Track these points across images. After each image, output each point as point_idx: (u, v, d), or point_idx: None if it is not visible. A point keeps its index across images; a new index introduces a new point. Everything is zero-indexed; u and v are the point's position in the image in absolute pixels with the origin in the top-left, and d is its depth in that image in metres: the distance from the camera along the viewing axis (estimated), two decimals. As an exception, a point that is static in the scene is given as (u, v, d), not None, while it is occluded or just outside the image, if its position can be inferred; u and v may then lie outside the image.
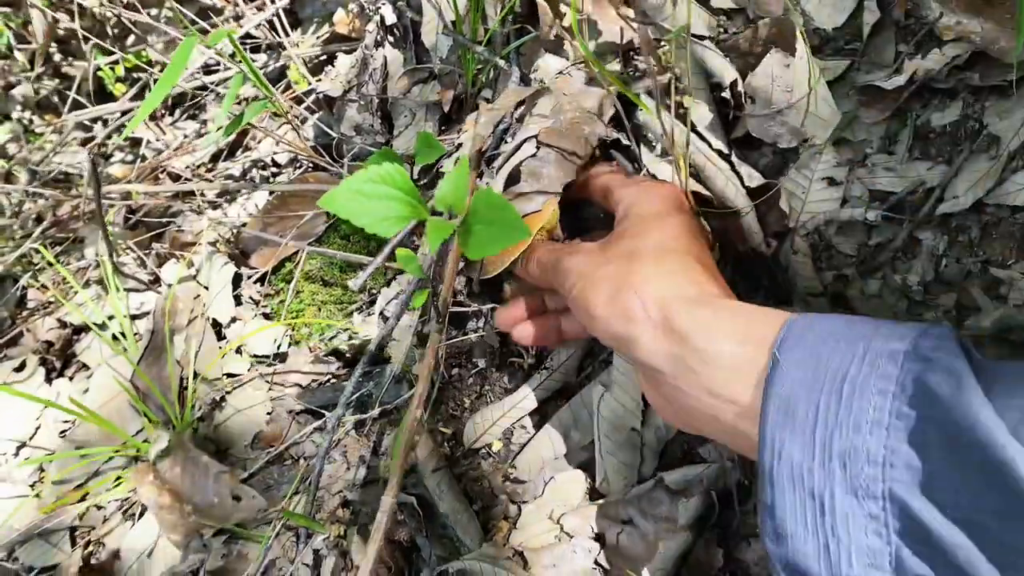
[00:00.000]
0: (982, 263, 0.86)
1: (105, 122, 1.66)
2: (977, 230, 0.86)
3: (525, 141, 0.87)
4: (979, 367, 0.45)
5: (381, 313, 1.06)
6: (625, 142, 0.93)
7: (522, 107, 0.95)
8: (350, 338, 1.07)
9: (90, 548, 1.13)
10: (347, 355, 1.12)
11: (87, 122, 1.69)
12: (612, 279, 0.67)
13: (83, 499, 1.17)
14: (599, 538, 0.88)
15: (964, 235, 0.87)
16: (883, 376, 0.46)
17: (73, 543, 1.15)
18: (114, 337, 1.33)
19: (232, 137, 1.48)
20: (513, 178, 0.87)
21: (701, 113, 0.91)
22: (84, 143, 1.72)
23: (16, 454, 1.25)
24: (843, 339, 0.50)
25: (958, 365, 0.44)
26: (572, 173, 0.85)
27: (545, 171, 0.84)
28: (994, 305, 0.84)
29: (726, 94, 0.92)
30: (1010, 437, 0.39)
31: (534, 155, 0.85)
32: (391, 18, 1.20)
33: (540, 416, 0.97)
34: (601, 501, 0.90)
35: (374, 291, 1.11)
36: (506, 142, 0.99)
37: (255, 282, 1.23)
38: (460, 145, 1.11)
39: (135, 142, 1.62)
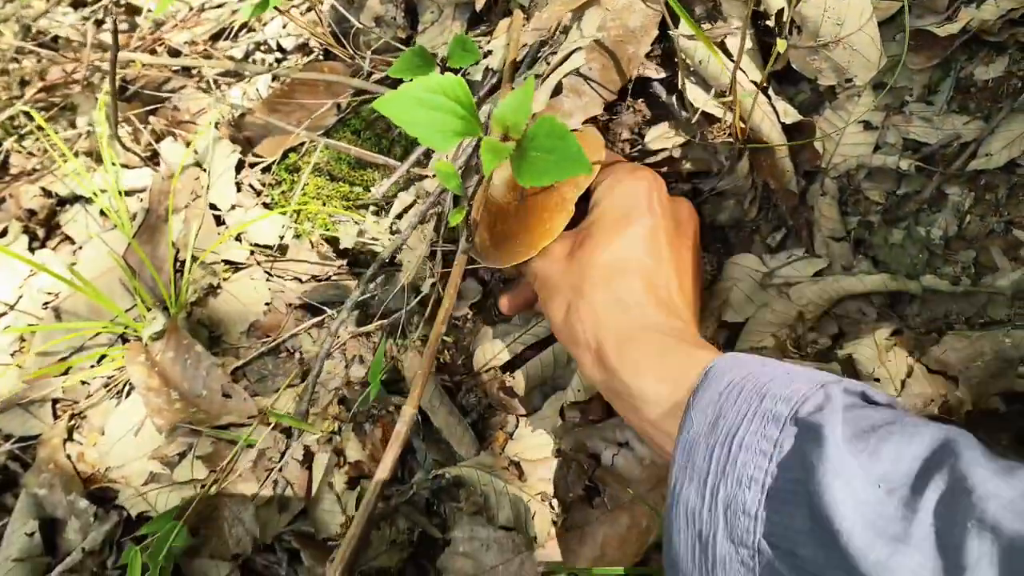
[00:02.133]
0: (1006, 223, 0.86)
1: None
2: (1005, 190, 0.86)
3: (574, 52, 0.83)
4: (859, 424, 0.49)
5: (398, 216, 1.03)
6: (659, 76, 0.90)
7: (566, 19, 0.92)
8: (359, 234, 1.05)
9: (73, 421, 1.12)
10: (352, 253, 1.10)
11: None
12: (565, 295, 0.71)
13: (67, 372, 1.15)
14: (594, 457, 0.90)
15: (991, 194, 0.87)
16: (765, 437, 0.49)
17: (55, 415, 1.13)
18: (102, 213, 1.29)
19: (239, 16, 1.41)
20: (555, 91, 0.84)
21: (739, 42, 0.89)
22: (74, 4, 1.63)
23: (-2, 322, 1.22)
24: (743, 394, 0.53)
25: (826, 432, 0.47)
26: (615, 93, 0.82)
27: (588, 88, 0.81)
28: (1012, 266, 0.84)
29: (770, 22, 0.89)
30: (847, 510, 0.43)
31: (578, 70, 0.82)
32: (423, -96, 1.13)
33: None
34: (600, 424, 0.91)
35: (384, 184, 1.08)
36: (542, 57, 0.96)
37: (262, 171, 1.19)
38: (490, 52, 1.07)
39: (133, 10, 1.53)
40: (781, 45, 0.84)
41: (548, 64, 0.88)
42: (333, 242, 1.12)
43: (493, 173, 0.80)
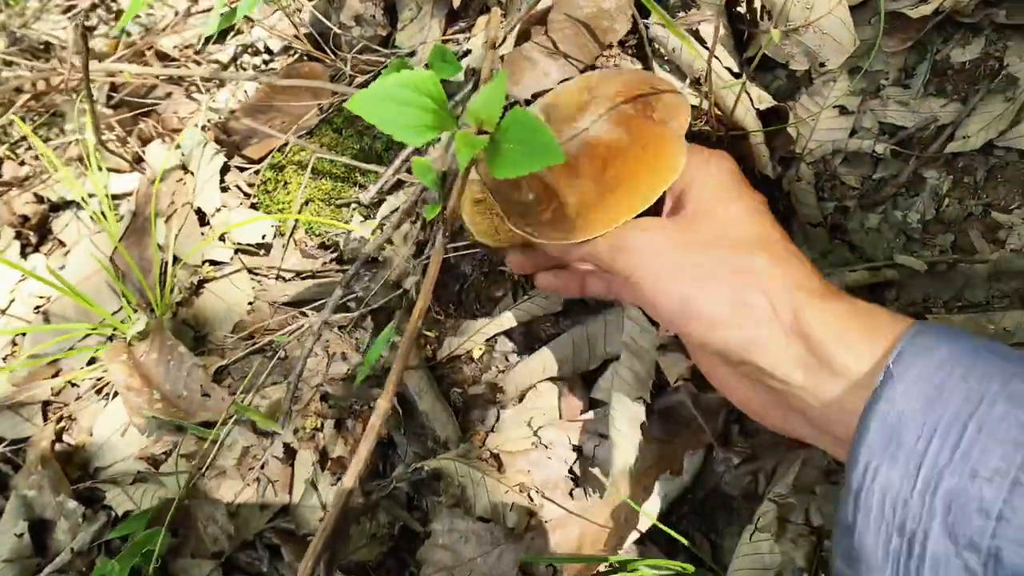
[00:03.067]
0: (984, 206, 0.85)
1: (90, -9, 1.58)
2: (983, 172, 0.86)
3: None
4: None
5: (385, 217, 1.04)
6: (634, 67, 0.90)
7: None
8: (348, 235, 1.05)
9: (62, 423, 1.13)
10: (336, 251, 1.10)
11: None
12: (717, 273, 0.58)
13: (56, 375, 1.16)
14: (576, 449, 0.89)
15: (970, 176, 0.86)
16: (1019, 425, 0.41)
17: (45, 418, 1.14)
18: (93, 217, 1.30)
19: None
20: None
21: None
22: (66, 11, 1.64)
23: (-11, 326, 1.23)
24: (971, 372, 0.45)
25: None
26: (589, 64, 0.84)
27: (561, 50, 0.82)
28: (991, 248, 0.84)
29: (742, 8, 0.89)
30: None
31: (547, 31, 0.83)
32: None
33: (525, 331, 0.96)
34: (585, 416, 0.90)
35: (371, 190, 1.08)
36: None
37: (251, 172, 1.20)
38: (468, 52, 1.07)
39: (121, 16, 1.54)
40: (776, 35, 0.83)
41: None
42: (317, 240, 1.12)
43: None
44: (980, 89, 0.86)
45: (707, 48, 0.87)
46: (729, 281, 0.57)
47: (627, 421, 0.83)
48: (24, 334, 1.20)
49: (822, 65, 0.86)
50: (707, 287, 0.57)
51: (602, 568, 0.80)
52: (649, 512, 0.80)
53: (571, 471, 0.88)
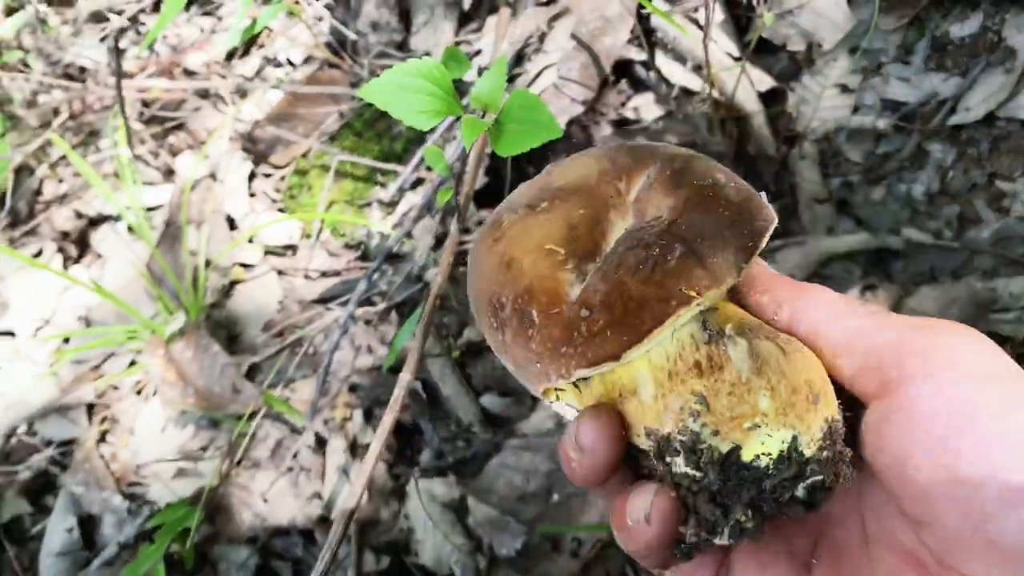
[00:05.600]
0: (988, 176, 0.87)
1: (119, 12, 1.65)
2: (986, 143, 0.87)
3: (545, 68, 0.88)
4: None
5: (405, 213, 1.08)
6: (639, 57, 0.94)
7: (544, 26, 0.97)
8: (371, 234, 1.10)
9: (106, 424, 1.18)
10: (359, 250, 1.14)
11: (103, 10, 1.68)
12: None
13: (99, 379, 1.21)
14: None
15: (973, 148, 0.88)
16: None
17: (90, 419, 1.19)
18: (130, 229, 1.36)
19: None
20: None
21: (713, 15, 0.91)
22: (102, 40, 1.71)
23: (35, 334, 1.29)
24: None
25: None
26: (594, 90, 0.87)
27: (568, 90, 0.86)
28: (996, 217, 0.85)
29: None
30: None
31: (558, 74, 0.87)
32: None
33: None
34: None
35: (391, 188, 1.12)
36: (527, 57, 1.00)
37: (278, 178, 1.25)
38: (479, 52, 1.11)
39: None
40: (769, 19, 0.86)
41: (531, 61, 0.93)
42: (341, 240, 1.16)
43: None
44: (980, 62, 0.88)
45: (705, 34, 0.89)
46: None
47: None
48: (67, 339, 1.26)
49: (819, 45, 0.88)
50: None
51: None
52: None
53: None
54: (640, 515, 0.38)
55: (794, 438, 0.35)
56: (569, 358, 0.37)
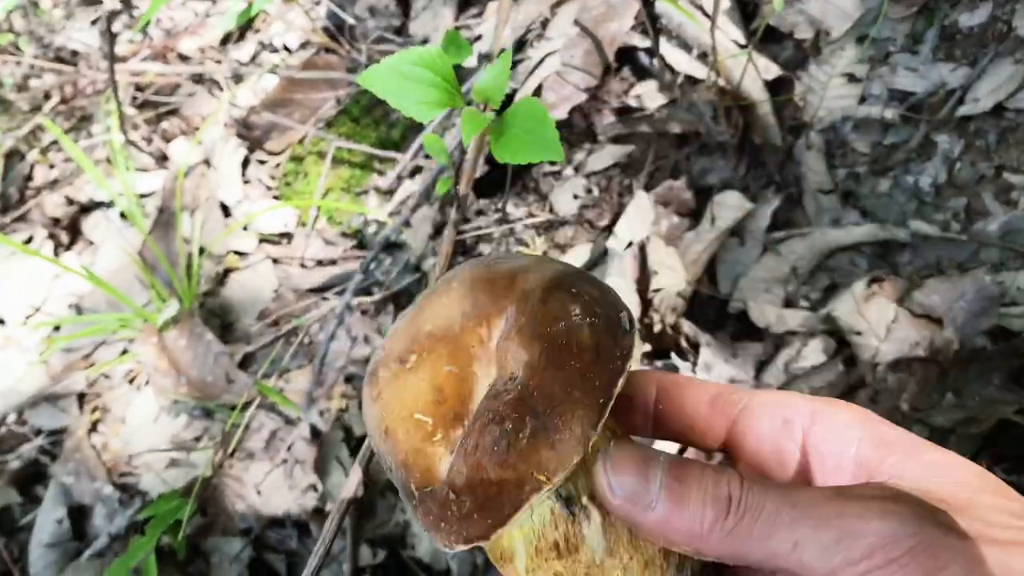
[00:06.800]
0: (996, 168, 0.85)
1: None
2: (995, 135, 0.86)
3: (548, 56, 0.87)
4: None
5: (402, 202, 1.06)
6: (643, 45, 0.92)
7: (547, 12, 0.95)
8: (365, 223, 1.08)
9: (97, 413, 1.16)
10: (356, 238, 1.12)
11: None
12: None
13: (90, 367, 1.19)
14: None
15: (981, 139, 0.86)
16: None
17: (81, 408, 1.18)
18: (122, 215, 1.33)
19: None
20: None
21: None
22: (94, 23, 1.69)
23: (25, 322, 1.27)
24: None
25: None
26: (598, 77, 0.85)
27: (570, 78, 0.84)
28: (1004, 209, 0.84)
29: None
30: None
31: (557, 71, 0.85)
32: None
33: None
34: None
35: (388, 176, 1.11)
36: (530, 43, 0.98)
37: (273, 165, 1.23)
38: (480, 37, 1.09)
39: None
40: (779, 4, 0.84)
41: (534, 47, 0.91)
42: (337, 228, 1.15)
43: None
44: (989, 52, 0.86)
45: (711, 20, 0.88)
46: None
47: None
48: (58, 327, 1.24)
49: (827, 34, 0.87)
50: None
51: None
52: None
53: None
54: None
55: None
56: (448, 533, 0.38)
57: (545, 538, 0.39)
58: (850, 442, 0.40)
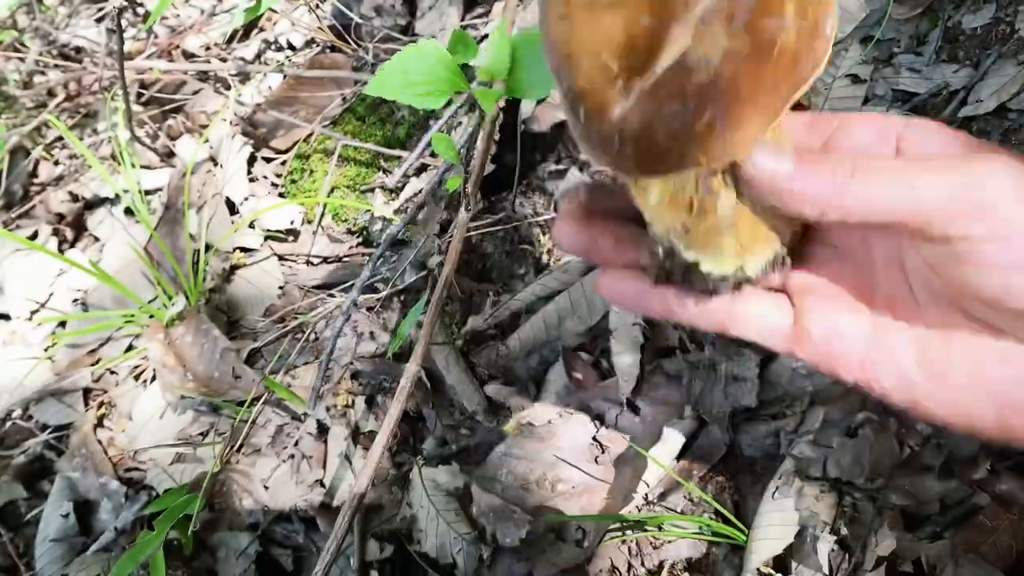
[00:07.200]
0: (999, 168, 0.86)
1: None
2: (998, 135, 0.86)
3: None
4: None
5: (409, 199, 1.07)
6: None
7: None
8: (371, 221, 1.09)
9: (103, 409, 1.17)
10: (362, 235, 1.13)
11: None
12: None
13: (96, 363, 1.20)
14: (598, 417, 0.91)
15: (984, 140, 0.87)
16: None
17: (86, 404, 1.18)
18: (127, 211, 1.34)
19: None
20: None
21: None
22: (99, 20, 1.69)
23: (30, 318, 1.28)
24: None
25: None
26: None
27: None
28: (1006, 210, 0.85)
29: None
30: None
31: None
32: None
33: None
34: (603, 383, 0.92)
35: (392, 173, 1.11)
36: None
37: (278, 163, 1.24)
38: (486, 36, 1.10)
39: (148, 19, 1.59)
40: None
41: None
42: (343, 226, 1.15)
43: None
44: (992, 54, 0.87)
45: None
46: None
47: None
48: (64, 323, 1.25)
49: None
50: None
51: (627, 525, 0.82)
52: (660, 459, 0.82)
53: (595, 438, 0.90)
54: None
55: (741, 267, 0.45)
56: (600, 155, 0.42)
57: (684, 195, 0.44)
58: (943, 144, 0.42)
